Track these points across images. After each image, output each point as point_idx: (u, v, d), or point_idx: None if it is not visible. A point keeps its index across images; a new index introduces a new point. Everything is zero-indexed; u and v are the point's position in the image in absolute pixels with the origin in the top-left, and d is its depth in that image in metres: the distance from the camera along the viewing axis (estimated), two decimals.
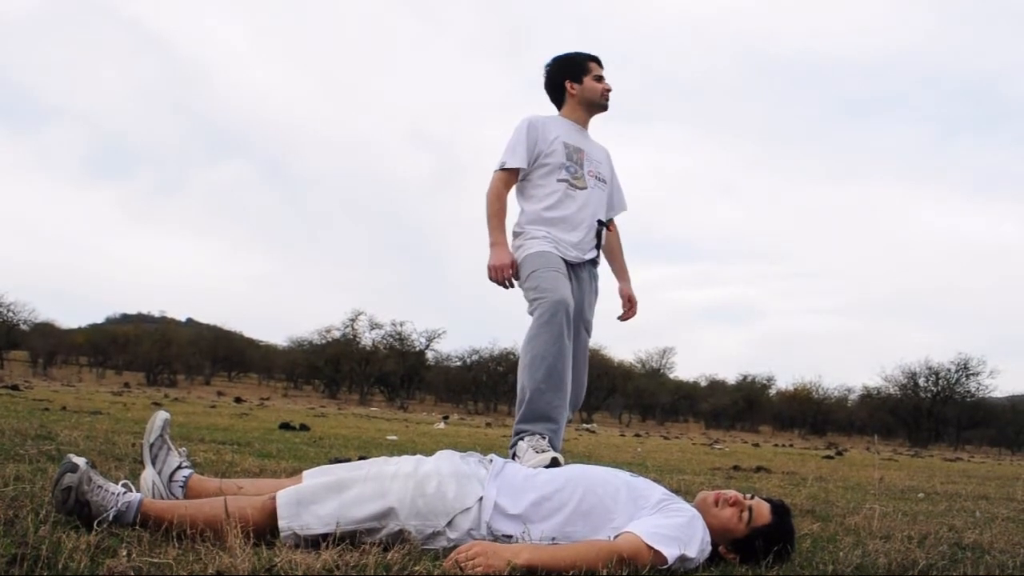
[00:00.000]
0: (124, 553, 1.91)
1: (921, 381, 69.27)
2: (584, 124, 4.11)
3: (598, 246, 4.05)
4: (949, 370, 67.83)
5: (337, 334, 72.15)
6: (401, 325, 71.49)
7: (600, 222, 4.01)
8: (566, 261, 3.86)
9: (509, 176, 3.93)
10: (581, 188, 3.94)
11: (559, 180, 3.91)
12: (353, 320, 71.67)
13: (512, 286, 3.81)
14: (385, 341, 71.94)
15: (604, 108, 4.08)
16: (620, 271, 4.34)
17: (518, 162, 3.90)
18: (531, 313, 3.74)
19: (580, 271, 3.96)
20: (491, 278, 3.77)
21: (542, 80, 4.14)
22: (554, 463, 3.33)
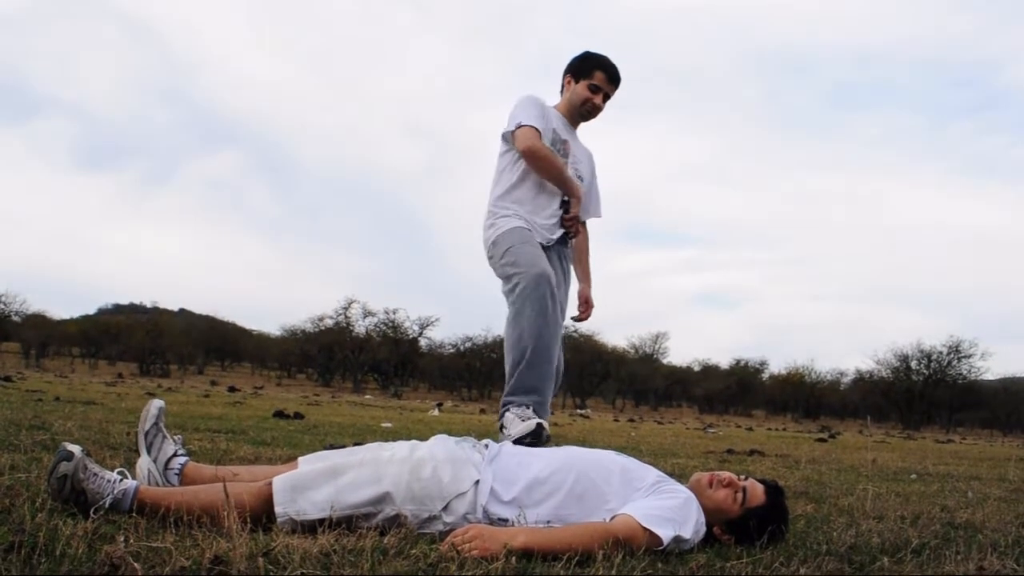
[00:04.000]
0: (121, 539, 1.91)
1: (913, 364, 69.64)
2: (573, 123, 4.04)
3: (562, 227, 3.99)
4: (941, 353, 68.21)
5: (330, 322, 72.16)
6: (394, 313, 71.55)
7: (564, 201, 3.89)
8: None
9: (535, 132, 3.77)
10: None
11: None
12: (346, 308, 71.67)
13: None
14: (378, 329, 71.99)
15: (584, 118, 4.00)
16: (583, 274, 4.24)
17: (536, 123, 3.77)
18: (508, 291, 3.68)
19: (549, 252, 3.88)
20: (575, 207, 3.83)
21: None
22: (539, 428, 3.39)
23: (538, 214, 3.86)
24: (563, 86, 4.00)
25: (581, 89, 3.89)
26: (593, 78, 3.89)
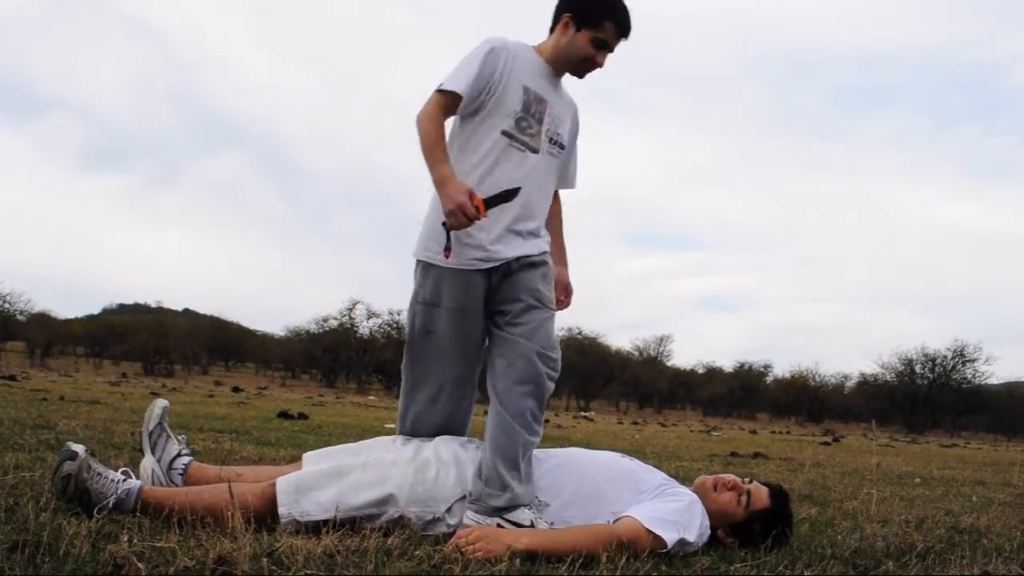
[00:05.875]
0: (125, 539, 1.91)
1: (917, 368, 69.45)
2: (557, 72, 3.08)
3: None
4: (945, 357, 67.98)
5: (334, 323, 72.14)
6: (398, 314, 71.41)
7: (512, 191, 2.90)
8: (481, 270, 2.85)
9: (447, 101, 2.87)
10: (532, 150, 2.94)
11: (502, 132, 2.90)
12: (350, 309, 71.64)
13: (477, 219, 2.74)
14: (382, 330, 71.90)
15: (575, 74, 3.08)
16: (559, 255, 3.31)
17: (457, 85, 2.86)
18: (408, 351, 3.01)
19: (495, 276, 2.87)
20: (452, 226, 2.72)
21: None
22: None
23: (501, 209, 2.90)
24: (556, 24, 3.05)
25: (582, 41, 2.98)
26: (601, 29, 2.96)
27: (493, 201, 2.81)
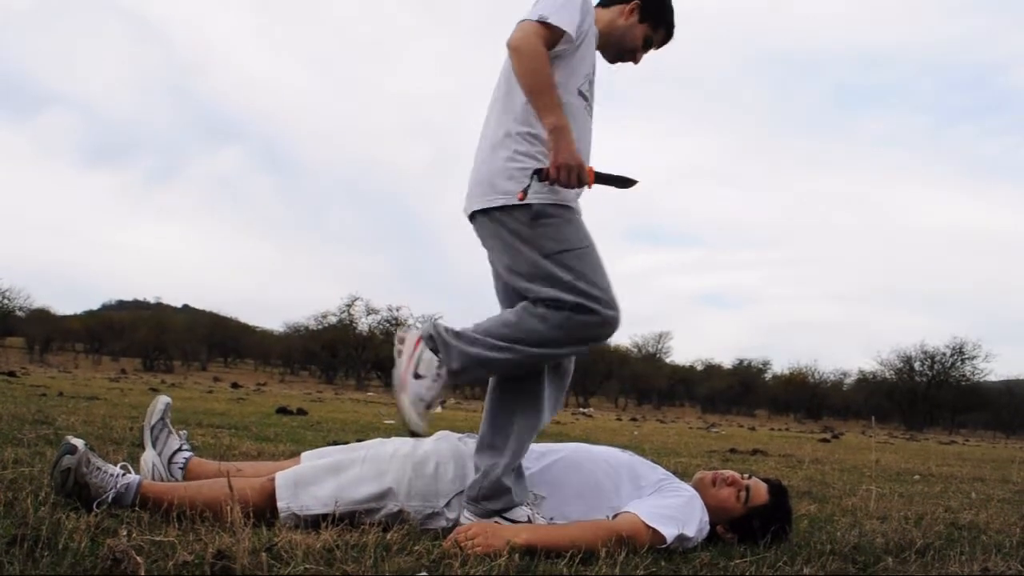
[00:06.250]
0: (124, 533, 1.91)
1: (917, 365, 69.62)
2: (599, 47, 2.85)
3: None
4: (944, 354, 68.15)
5: (333, 320, 72.21)
6: (397, 310, 71.46)
7: (630, 180, 2.67)
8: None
9: (549, 38, 2.53)
10: (589, 115, 2.75)
11: (580, 92, 2.67)
12: (349, 306, 71.67)
13: (583, 186, 2.51)
14: (382, 326, 71.94)
15: (608, 56, 2.88)
16: None
17: (569, 25, 2.54)
18: (560, 306, 2.44)
19: None
20: (562, 182, 2.45)
21: None
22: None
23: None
24: (617, 3, 2.84)
25: (639, 33, 2.82)
26: (656, 31, 2.86)
27: (605, 179, 2.59)
